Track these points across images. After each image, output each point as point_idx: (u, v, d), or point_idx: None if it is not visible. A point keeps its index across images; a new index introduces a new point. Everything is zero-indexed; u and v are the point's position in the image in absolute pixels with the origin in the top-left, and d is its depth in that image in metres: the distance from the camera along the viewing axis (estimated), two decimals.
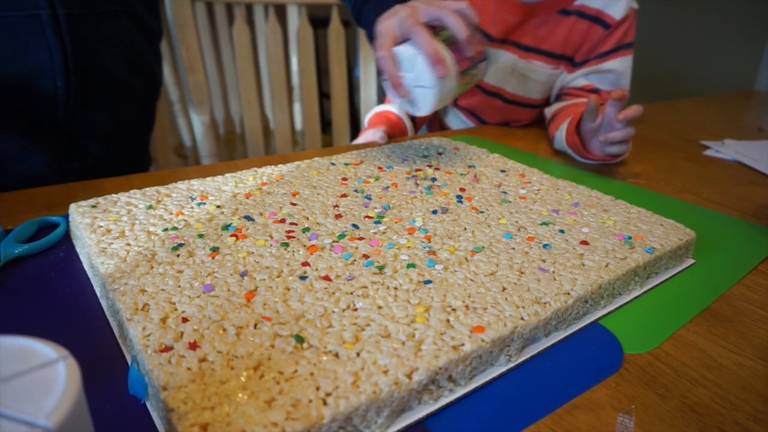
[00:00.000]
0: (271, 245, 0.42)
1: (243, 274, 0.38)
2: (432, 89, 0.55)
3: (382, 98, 1.14)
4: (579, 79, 0.86)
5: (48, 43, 0.59)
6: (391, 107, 0.90)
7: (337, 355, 0.31)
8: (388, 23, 0.57)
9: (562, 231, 0.47)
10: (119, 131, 0.71)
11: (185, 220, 0.46)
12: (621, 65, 0.84)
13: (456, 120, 1.04)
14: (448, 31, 0.57)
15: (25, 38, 0.59)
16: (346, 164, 0.62)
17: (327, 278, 0.38)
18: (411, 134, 0.89)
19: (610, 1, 0.82)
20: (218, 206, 0.49)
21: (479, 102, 0.95)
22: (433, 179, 0.58)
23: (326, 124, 1.43)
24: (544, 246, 0.44)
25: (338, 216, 0.48)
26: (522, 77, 0.89)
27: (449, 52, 0.55)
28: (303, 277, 0.38)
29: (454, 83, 0.56)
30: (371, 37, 0.65)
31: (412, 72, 0.55)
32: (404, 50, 0.55)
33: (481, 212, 0.50)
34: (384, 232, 0.45)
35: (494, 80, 0.91)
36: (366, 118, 0.93)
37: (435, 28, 0.58)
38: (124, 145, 0.73)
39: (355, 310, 0.35)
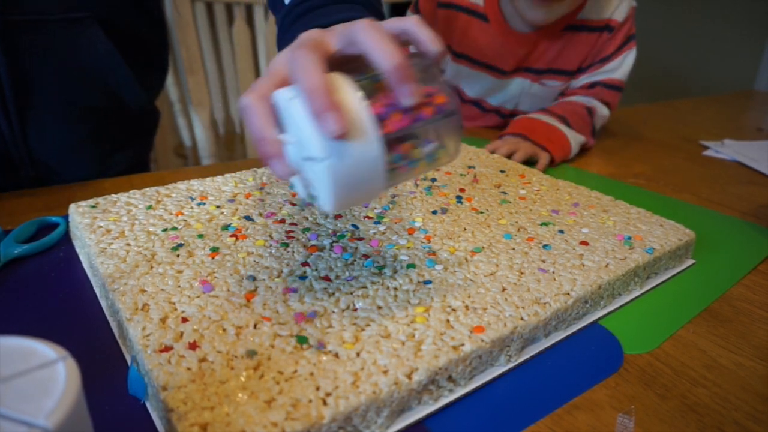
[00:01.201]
0: (270, 245, 0.42)
1: (251, 278, 0.38)
2: (323, 163, 0.29)
3: None
4: (582, 80, 0.86)
5: None
6: None
7: (337, 355, 0.31)
8: (279, 56, 0.35)
9: (561, 231, 0.47)
10: (79, 148, 0.65)
11: (185, 220, 0.46)
12: (624, 59, 0.84)
13: None
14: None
15: None
16: None
17: (327, 278, 0.38)
18: None
19: (614, 7, 0.81)
20: (218, 206, 0.49)
21: (497, 122, 0.94)
22: (433, 179, 0.58)
23: None
24: (544, 246, 0.44)
25: (338, 216, 0.48)
26: (535, 96, 0.89)
27: (364, 100, 0.30)
28: (303, 278, 0.38)
29: (376, 156, 0.29)
30: None
31: (294, 133, 0.31)
32: (280, 94, 0.31)
33: (481, 212, 0.50)
34: (384, 233, 0.45)
35: (511, 105, 0.91)
36: None
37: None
38: (87, 159, 0.67)
39: (355, 310, 0.35)
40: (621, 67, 0.84)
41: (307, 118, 0.29)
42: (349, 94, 0.30)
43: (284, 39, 0.46)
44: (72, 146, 0.65)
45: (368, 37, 0.31)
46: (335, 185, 0.29)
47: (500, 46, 0.84)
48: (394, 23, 0.34)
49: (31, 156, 0.63)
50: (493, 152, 0.69)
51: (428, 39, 0.33)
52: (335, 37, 0.34)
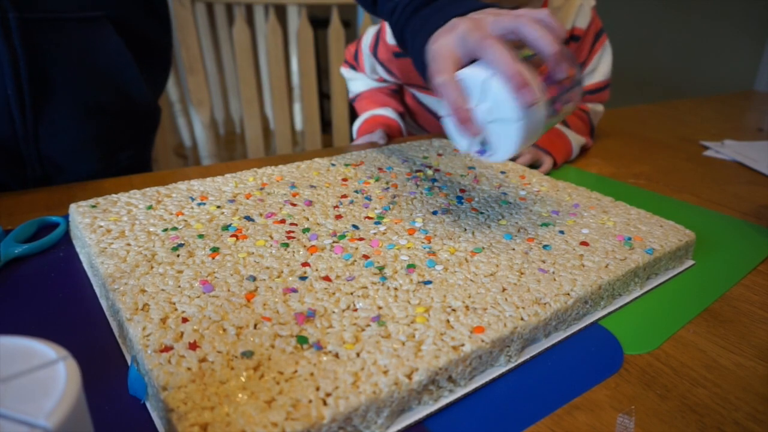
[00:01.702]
0: (271, 245, 0.42)
1: (251, 278, 0.38)
2: (516, 123, 0.40)
3: None
4: None
5: None
6: (380, 110, 0.88)
7: (337, 356, 0.31)
8: (444, 41, 0.44)
9: (562, 232, 0.47)
10: (87, 145, 0.66)
11: (185, 221, 0.46)
12: (600, 58, 0.82)
13: None
14: (528, 49, 0.43)
15: None
16: (347, 165, 0.62)
17: (327, 279, 0.38)
18: (405, 134, 0.89)
19: (574, 15, 0.79)
20: (218, 206, 0.49)
21: None
22: (434, 180, 0.58)
23: (326, 124, 1.43)
24: (544, 247, 0.44)
25: (338, 216, 0.48)
26: None
27: (534, 73, 0.41)
28: (303, 278, 0.38)
29: (543, 115, 0.41)
30: (422, 69, 0.50)
31: (485, 102, 0.41)
32: (473, 73, 0.41)
33: (481, 213, 0.50)
34: (384, 233, 0.45)
35: None
36: (354, 127, 0.90)
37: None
38: (93, 157, 0.68)
39: (355, 310, 0.35)
40: (599, 66, 0.83)
41: (505, 92, 0.40)
42: (528, 72, 0.40)
43: (405, 28, 0.54)
44: (80, 144, 0.66)
45: (533, 29, 0.41)
46: (521, 138, 0.41)
47: None
48: (534, 14, 0.43)
49: (39, 154, 0.63)
50: None
51: (558, 26, 0.42)
52: (490, 26, 0.43)
